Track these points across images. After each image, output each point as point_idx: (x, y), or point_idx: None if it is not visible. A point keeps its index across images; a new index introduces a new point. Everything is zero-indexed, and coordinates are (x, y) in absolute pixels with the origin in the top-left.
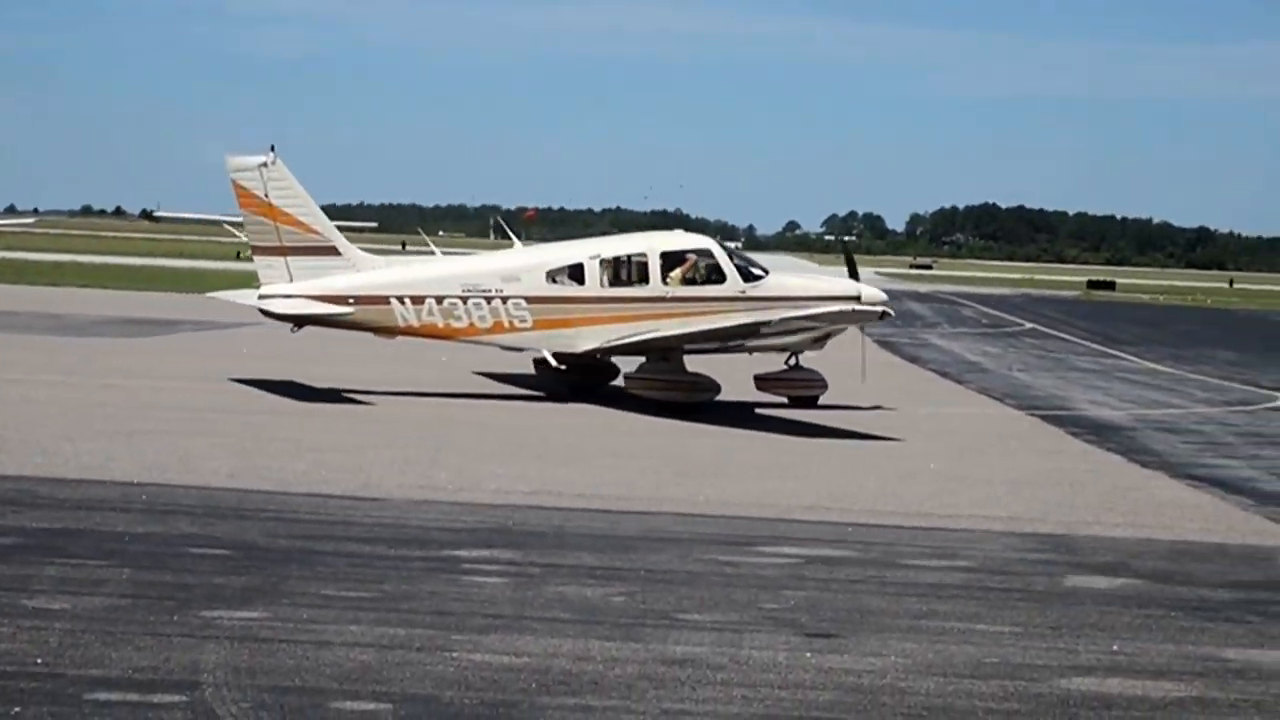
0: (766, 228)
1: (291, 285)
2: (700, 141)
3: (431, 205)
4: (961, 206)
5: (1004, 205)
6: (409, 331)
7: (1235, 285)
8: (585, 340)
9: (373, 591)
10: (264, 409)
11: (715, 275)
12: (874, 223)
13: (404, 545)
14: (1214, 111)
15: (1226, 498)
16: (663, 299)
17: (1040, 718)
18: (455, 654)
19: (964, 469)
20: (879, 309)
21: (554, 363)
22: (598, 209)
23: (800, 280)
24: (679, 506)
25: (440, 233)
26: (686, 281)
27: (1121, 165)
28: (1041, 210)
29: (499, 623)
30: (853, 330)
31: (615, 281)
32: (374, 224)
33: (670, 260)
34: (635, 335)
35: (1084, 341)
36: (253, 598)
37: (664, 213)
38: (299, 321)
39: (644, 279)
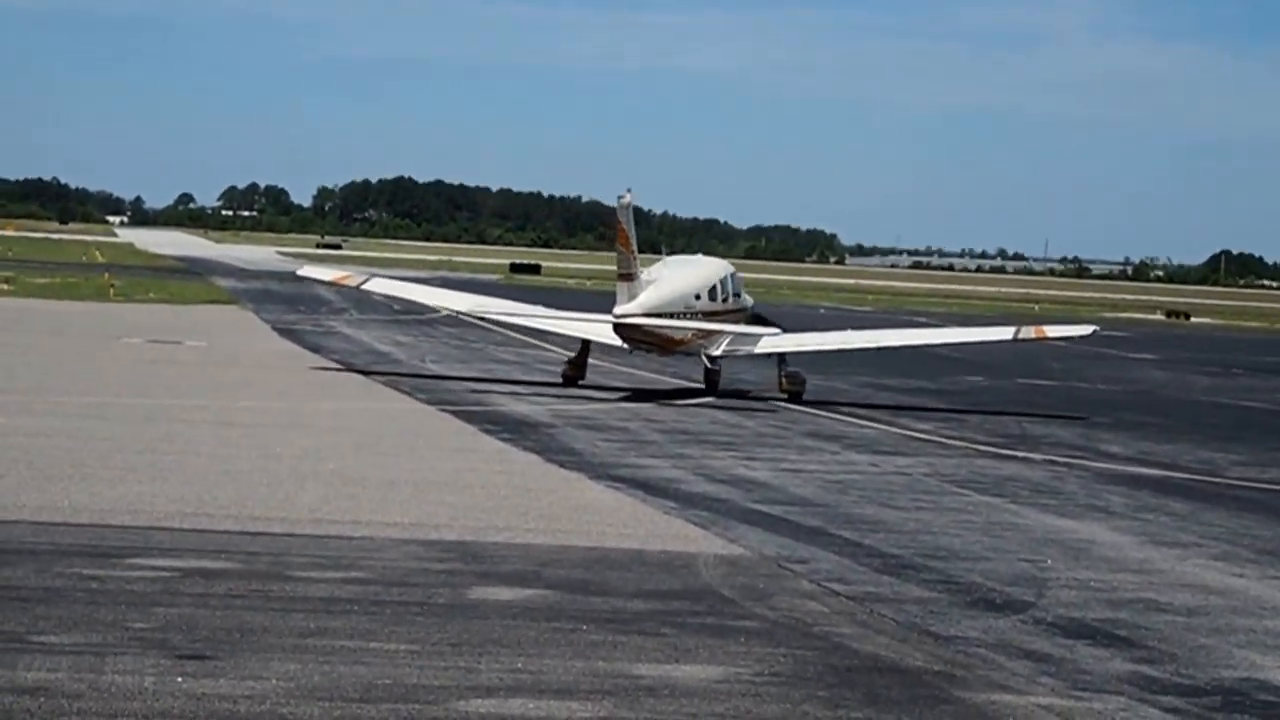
0: (157, 200)
1: (627, 305)
2: (78, 106)
3: None
4: (375, 180)
5: (421, 180)
6: (661, 341)
7: None
8: (712, 346)
9: None
10: None
11: (739, 291)
12: (278, 196)
13: None
14: (641, 87)
15: (648, 500)
16: (730, 310)
17: None
18: None
19: (365, 470)
20: None
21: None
22: None
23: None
24: (39, 515)
25: None
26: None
27: (548, 141)
28: (463, 186)
29: None
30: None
31: (720, 298)
32: None
33: (729, 280)
34: (806, 346)
35: (506, 331)
36: None
37: (39, 181)
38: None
39: (725, 295)
